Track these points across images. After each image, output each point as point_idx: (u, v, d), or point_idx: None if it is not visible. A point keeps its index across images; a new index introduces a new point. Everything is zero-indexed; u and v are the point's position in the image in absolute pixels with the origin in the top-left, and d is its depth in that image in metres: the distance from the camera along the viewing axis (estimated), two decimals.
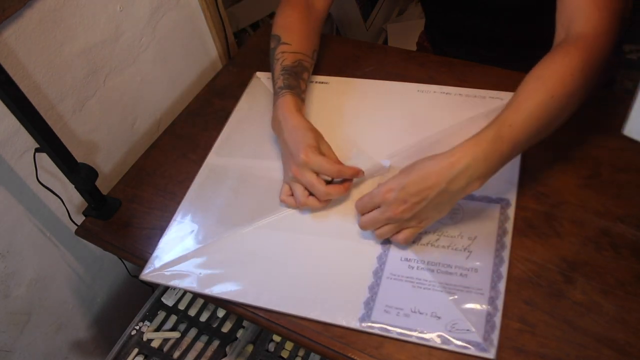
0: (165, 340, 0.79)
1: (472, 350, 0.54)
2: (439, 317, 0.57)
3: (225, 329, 0.73)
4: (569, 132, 0.72)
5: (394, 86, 0.85)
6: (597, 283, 0.58)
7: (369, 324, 0.58)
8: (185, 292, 0.73)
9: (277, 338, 0.75)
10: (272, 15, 1.44)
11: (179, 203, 0.76)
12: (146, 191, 0.80)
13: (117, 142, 0.92)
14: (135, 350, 0.80)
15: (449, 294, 0.59)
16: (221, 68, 1.04)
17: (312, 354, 0.77)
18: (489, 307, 0.57)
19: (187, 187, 0.78)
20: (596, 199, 0.65)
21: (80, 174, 0.72)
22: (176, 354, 0.77)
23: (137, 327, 0.81)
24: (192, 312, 0.78)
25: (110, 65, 0.86)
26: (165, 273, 0.66)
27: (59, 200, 0.81)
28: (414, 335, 0.56)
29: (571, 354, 0.54)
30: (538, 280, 0.60)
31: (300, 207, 0.69)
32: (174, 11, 0.95)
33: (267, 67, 0.96)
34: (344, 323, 0.59)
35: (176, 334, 0.78)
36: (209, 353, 0.73)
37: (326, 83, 0.88)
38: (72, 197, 0.86)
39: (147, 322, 0.79)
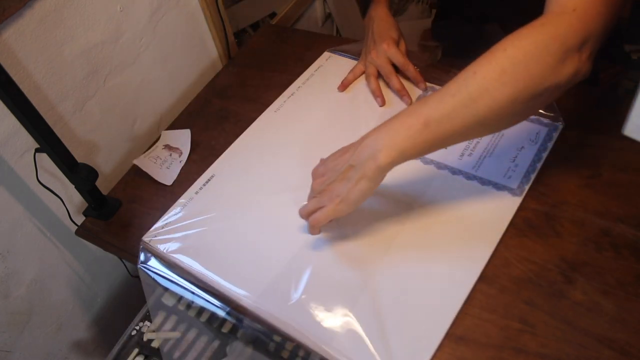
0: (166, 340, 0.79)
1: None
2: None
3: (225, 329, 0.73)
4: (569, 131, 0.73)
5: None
6: (597, 283, 0.58)
7: None
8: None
9: (277, 338, 0.75)
10: (272, 16, 1.44)
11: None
12: (146, 191, 0.80)
13: (117, 142, 0.92)
14: (136, 351, 0.79)
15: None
16: (221, 68, 1.04)
17: (312, 354, 0.77)
18: None
19: (188, 187, 0.78)
20: (596, 199, 0.65)
21: (81, 174, 0.72)
22: (176, 354, 0.77)
23: (137, 327, 0.81)
24: (192, 313, 0.78)
25: (111, 66, 0.86)
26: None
27: (59, 200, 0.80)
28: None
29: (571, 354, 0.54)
30: (538, 280, 0.60)
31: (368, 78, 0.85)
32: (174, 11, 0.95)
33: (266, 67, 0.96)
34: None
35: (176, 334, 0.78)
36: (209, 353, 0.73)
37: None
38: (72, 197, 0.86)
39: (147, 322, 0.79)
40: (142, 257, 0.71)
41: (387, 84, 0.84)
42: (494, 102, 0.52)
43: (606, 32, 0.52)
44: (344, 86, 0.86)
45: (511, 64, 0.51)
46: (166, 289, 0.71)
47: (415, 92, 0.83)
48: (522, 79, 0.51)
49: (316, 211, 0.62)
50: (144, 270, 0.70)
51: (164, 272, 0.69)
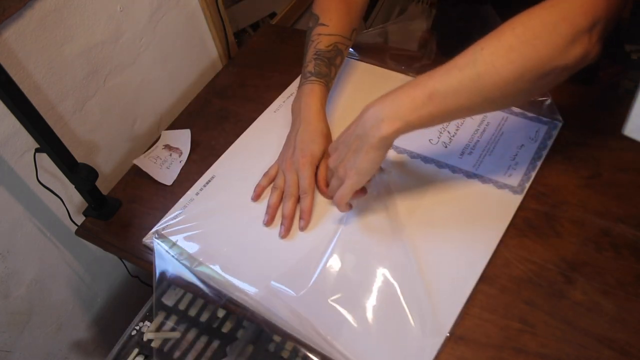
0: (166, 340, 0.79)
1: None
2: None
3: (225, 329, 0.73)
4: (569, 131, 0.73)
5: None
6: (597, 283, 0.58)
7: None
8: (185, 292, 0.73)
9: (277, 338, 0.75)
10: (272, 16, 1.44)
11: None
12: (146, 191, 0.80)
13: (117, 142, 0.92)
14: (136, 351, 0.79)
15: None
16: (221, 68, 1.04)
17: (313, 353, 0.77)
18: None
19: (188, 188, 0.78)
20: (596, 199, 0.65)
21: (80, 174, 0.72)
22: (176, 354, 0.77)
23: (137, 327, 0.81)
24: (192, 313, 0.78)
25: (111, 66, 0.86)
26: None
27: (59, 200, 0.80)
28: None
29: (571, 354, 0.54)
30: (538, 280, 0.60)
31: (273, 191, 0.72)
32: (174, 11, 0.95)
33: (266, 67, 0.96)
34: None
35: (176, 334, 0.78)
36: (209, 353, 0.73)
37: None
38: (72, 197, 0.86)
39: (147, 322, 0.79)
40: (156, 242, 0.71)
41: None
42: (500, 79, 0.52)
43: (616, 15, 0.52)
44: (257, 196, 0.74)
45: (519, 42, 0.51)
46: (170, 283, 0.71)
47: None
48: (530, 58, 0.51)
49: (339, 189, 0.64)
50: (156, 245, 0.70)
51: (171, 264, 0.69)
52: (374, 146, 0.58)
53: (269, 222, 0.70)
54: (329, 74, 0.76)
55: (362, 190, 0.67)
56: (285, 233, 0.68)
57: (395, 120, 0.56)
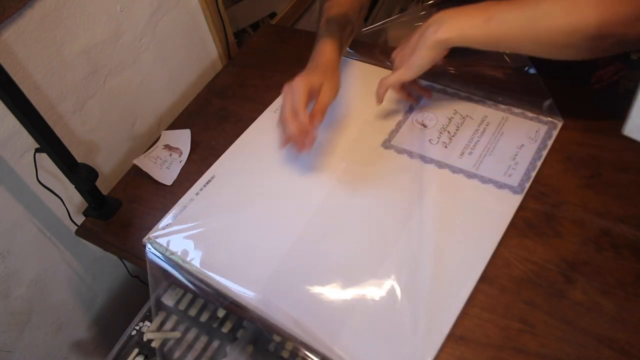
0: (166, 340, 0.79)
1: None
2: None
3: (225, 329, 0.73)
4: (569, 131, 0.73)
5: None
6: (597, 283, 0.58)
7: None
8: (185, 292, 0.73)
9: (277, 338, 0.75)
10: (272, 16, 1.44)
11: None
12: (146, 191, 0.80)
13: (117, 142, 0.92)
14: (136, 351, 0.79)
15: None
16: (221, 68, 1.04)
17: (313, 353, 0.77)
18: None
19: (188, 188, 0.78)
20: (596, 199, 0.65)
21: (80, 174, 0.72)
22: (176, 354, 0.77)
23: (137, 327, 0.81)
24: (192, 312, 0.78)
25: (111, 65, 0.86)
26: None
27: (59, 200, 0.80)
28: None
29: (571, 354, 0.54)
30: (538, 280, 0.60)
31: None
32: (174, 11, 0.95)
33: (266, 67, 0.96)
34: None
35: (176, 334, 0.78)
36: (209, 353, 0.73)
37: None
38: (72, 197, 0.86)
39: (147, 322, 0.79)
40: (148, 247, 0.71)
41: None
42: (554, 25, 0.57)
43: None
44: (284, 144, 0.71)
45: (585, 1, 0.54)
46: (170, 284, 0.71)
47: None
48: (588, 15, 0.54)
49: None
50: (151, 257, 0.70)
51: (167, 267, 0.69)
52: (427, 45, 0.64)
53: (282, 146, 0.72)
54: (341, 38, 0.77)
55: (428, 92, 0.79)
56: (300, 147, 0.68)
57: (454, 28, 0.62)
